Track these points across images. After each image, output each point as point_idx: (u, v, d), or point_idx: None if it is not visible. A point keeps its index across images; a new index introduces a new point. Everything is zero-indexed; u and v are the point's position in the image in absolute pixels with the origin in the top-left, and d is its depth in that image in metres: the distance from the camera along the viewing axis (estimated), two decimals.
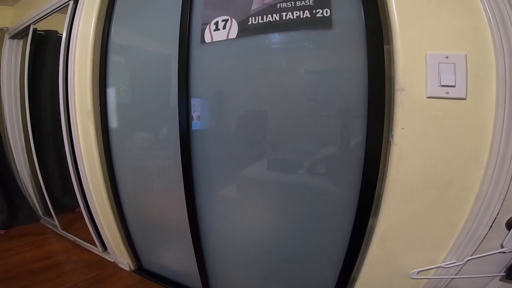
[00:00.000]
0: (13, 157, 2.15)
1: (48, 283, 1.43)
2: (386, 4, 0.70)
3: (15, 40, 2.07)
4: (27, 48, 1.83)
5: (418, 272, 0.81)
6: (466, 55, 0.65)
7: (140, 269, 1.60)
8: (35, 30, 1.82)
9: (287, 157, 0.96)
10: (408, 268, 0.81)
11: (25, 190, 2.21)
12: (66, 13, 1.46)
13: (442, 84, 0.66)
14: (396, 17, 0.68)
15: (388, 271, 0.85)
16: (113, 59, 1.32)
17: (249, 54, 0.94)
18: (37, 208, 2.25)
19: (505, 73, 0.62)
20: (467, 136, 0.67)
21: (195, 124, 1.04)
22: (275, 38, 0.88)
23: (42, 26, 1.83)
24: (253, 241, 1.15)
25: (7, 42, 2.05)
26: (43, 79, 1.90)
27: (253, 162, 1.03)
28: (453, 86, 0.65)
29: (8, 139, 2.12)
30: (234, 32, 0.91)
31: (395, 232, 0.79)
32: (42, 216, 2.24)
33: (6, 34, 2.04)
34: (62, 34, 1.76)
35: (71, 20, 1.42)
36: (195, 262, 1.26)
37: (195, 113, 1.03)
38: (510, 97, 0.63)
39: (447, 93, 0.66)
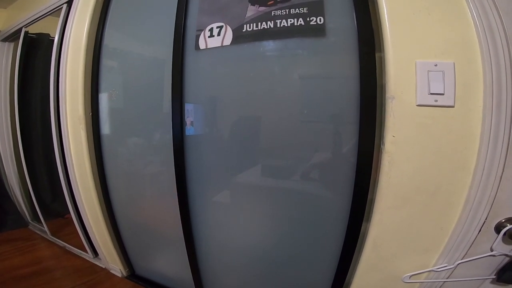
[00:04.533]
0: (1, 161, 2.10)
1: None
2: (378, 12, 0.72)
3: (6, 43, 2.04)
4: (17, 51, 1.80)
5: (411, 276, 0.82)
6: (454, 63, 0.67)
7: (133, 275, 1.58)
8: (26, 33, 1.80)
9: (281, 163, 0.96)
10: (401, 272, 0.82)
11: (13, 195, 2.16)
12: (58, 16, 1.45)
13: (431, 92, 0.67)
14: (387, 26, 0.70)
15: (381, 276, 0.86)
16: (106, 63, 1.31)
17: (243, 61, 0.94)
18: (25, 214, 2.20)
19: (492, 81, 0.64)
20: (456, 143, 0.68)
21: (189, 130, 1.04)
22: (269, 45, 0.89)
23: (34, 29, 1.81)
24: (247, 247, 1.14)
25: None
26: (33, 83, 1.87)
27: (247, 168, 1.04)
28: (442, 94, 0.67)
29: None
30: (228, 38, 0.92)
31: (387, 237, 0.80)
32: (30, 221, 2.19)
33: None
34: (54, 37, 1.77)
35: (64, 23, 1.40)
36: (189, 267, 1.24)
37: (188, 118, 1.03)
38: (497, 105, 0.65)
39: (436, 101, 0.68)
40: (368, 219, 0.83)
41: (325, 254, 0.96)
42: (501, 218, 0.71)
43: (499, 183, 0.67)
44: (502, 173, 0.66)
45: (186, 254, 1.22)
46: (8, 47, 2.06)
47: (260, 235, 1.11)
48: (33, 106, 1.90)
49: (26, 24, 1.76)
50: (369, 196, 0.82)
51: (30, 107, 1.89)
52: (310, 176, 0.94)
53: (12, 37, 1.97)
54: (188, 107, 1.03)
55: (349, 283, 0.93)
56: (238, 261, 1.17)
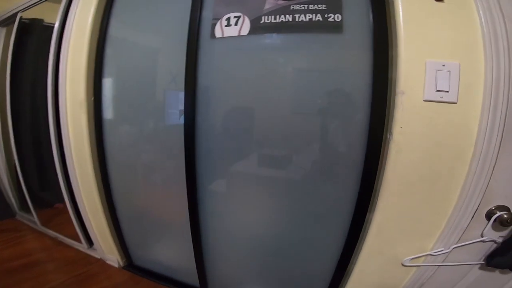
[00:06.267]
0: None
1: (29, 282, 1.37)
2: (394, 13, 0.77)
3: None
4: (11, 36, 1.75)
5: (411, 259, 0.89)
6: (460, 64, 0.73)
7: (130, 265, 1.57)
8: (20, 18, 1.75)
9: (293, 153, 1.01)
10: (402, 256, 0.89)
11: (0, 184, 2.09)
12: (57, 2, 1.41)
13: (437, 89, 0.74)
14: (402, 27, 0.76)
15: (383, 260, 0.92)
16: (112, 50, 1.30)
17: (260, 52, 0.97)
18: (12, 203, 2.13)
19: (492, 83, 0.71)
20: (456, 136, 0.75)
21: (201, 117, 1.06)
22: (287, 38, 0.93)
23: (26, 14, 1.76)
24: (254, 236, 1.18)
25: None
26: (24, 69, 1.82)
27: (256, 158, 1.06)
28: (447, 92, 0.74)
29: None
30: (246, 29, 0.94)
31: (390, 223, 0.86)
32: (18, 211, 2.12)
33: None
34: (48, 23, 1.69)
35: (65, 9, 1.37)
36: (193, 257, 1.26)
37: (201, 105, 1.05)
38: (494, 105, 0.72)
39: (441, 97, 0.74)
40: (372, 209, 0.89)
41: (330, 241, 1.01)
42: (492, 205, 0.78)
43: (492, 173, 0.74)
44: (495, 164, 0.74)
45: (191, 243, 1.23)
46: None
47: (267, 224, 1.15)
48: (23, 91, 1.84)
49: (23, 9, 1.71)
50: (375, 186, 0.88)
51: (21, 92, 1.84)
52: (320, 167, 0.99)
53: (4, 22, 1.90)
54: (201, 94, 1.05)
55: (352, 268, 0.98)
56: (243, 248, 1.20)
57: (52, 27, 1.43)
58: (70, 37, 1.32)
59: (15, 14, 1.75)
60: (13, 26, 1.76)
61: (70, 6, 1.35)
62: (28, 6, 1.68)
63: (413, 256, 0.87)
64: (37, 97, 1.83)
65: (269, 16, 0.91)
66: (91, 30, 1.26)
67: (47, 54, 1.42)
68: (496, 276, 0.87)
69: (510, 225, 0.77)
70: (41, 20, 1.79)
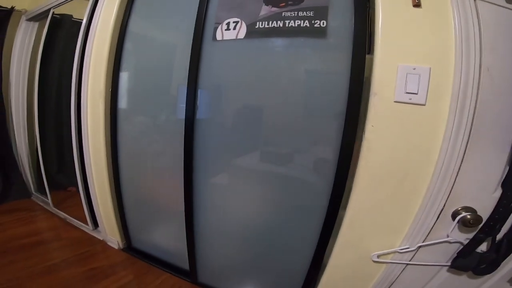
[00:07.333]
0: (14, 132, 2.19)
1: (35, 258, 1.47)
2: (374, 20, 0.83)
3: (31, 23, 2.14)
4: (44, 30, 1.91)
5: (379, 255, 0.92)
6: (430, 68, 0.77)
7: (129, 247, 1.66)
8: (53, 13, 1.92)
9: (276, 149, 1.09)
10: (372, 251, 0.92)
11: (20, 165, 2.24)
12: None
13: (407, 91, 0.78)
14: (380, 33, 0.81)
15: (355, 254, 0.96)
16: (129, 46, 1.42)
17: (254, 54, 1.06)
18: (29, 184, 2.28)
19: (459, 88, 0.74)
20: (423, 136, 0.79)
21: (200, 112, 1.15)
22: (277, 42, 1.01)
23: (57, 10, 1.91)
24: (240, 226, 1.25)
25: (23, 24, 2.12)
26: (53, 60, 1.98)
27: (247, 153, 1.14)
28: (416, 94, 0.78)
29: (11, 114, 2.17)
30: (242, 33, 1.04)
31: (362, 216, 0.91)
32: (33, 192, 2.27)
33: (23, 16, 2.12)
34: (77, 19, 1.87)
35: (93, 6, 1.49)
36: (185, 242, 1.34)
37: (200, 101, 1.14)
38: (460, 109, 0.75)
39: (410, 99, 0.79)
40: (346, 206, 0.93)
41: (308, 235, 1.07)
42: (458, 206, 0.80)
43: (457, 174, 0.77)
44: (460, 166, 0.77)
45: (184, 230, 1.31)
46: (32, 26, 2.15)
47: (252, 217, 1.22)
48: (50, 81, 2.00)
49: (55, 5, 1.86)
50: (347, 183, 0.93)
51: (47, 82, 1.99)
52: (301, 163, 1.05)
53: (38, 17, 2.07)
54: (201, 91, 1.14)
55: (327, 262, 1.03)
56: (230, 237, 1.27)
57: (79, 22, 1.56)
58: (95, 33, 1.44)
59: (48, 10, 1.91)
60: (44, 21, 1.92)
61: (97, 4, 1.47)
62: (60, 3, 1.83)
63: (380, 252, 0.90)
64: (62, 86, 2.00)
65: (263, 22, 1.00)
66: (113, 27, 1.38)
67: (73, 47, 1.54)
68: (465, 280, 0.88)
69: (473, 226, 0.79)
70: (70, 16, 1.96)
